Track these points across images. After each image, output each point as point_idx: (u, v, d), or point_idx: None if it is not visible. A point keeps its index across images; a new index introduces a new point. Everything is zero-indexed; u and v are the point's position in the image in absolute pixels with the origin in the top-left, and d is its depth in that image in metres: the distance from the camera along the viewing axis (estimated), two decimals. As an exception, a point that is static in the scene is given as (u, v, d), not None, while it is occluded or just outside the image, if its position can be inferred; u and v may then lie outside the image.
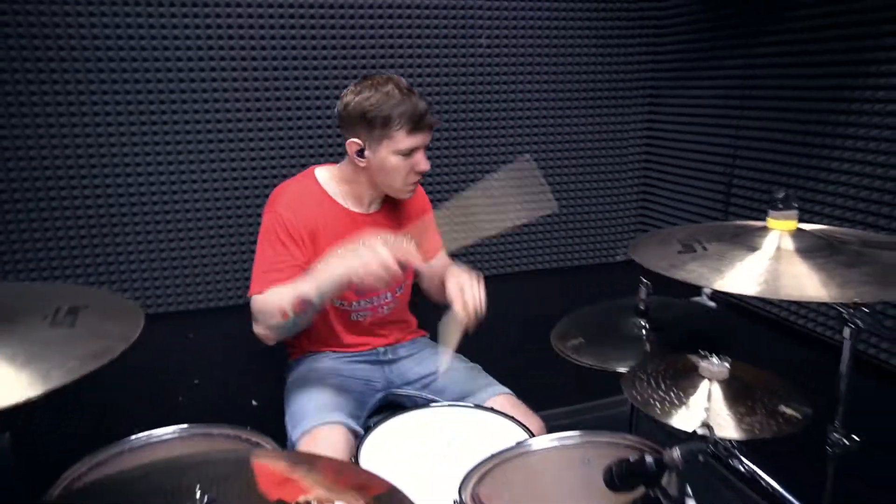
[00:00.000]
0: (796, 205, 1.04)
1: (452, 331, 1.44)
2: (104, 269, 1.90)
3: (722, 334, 1.37)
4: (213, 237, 1.98)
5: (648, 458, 0.84)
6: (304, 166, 1.70)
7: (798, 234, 1.04)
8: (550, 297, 2.42)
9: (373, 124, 1.45)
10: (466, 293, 1.43)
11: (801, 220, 1.07)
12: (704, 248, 1.05)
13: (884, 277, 0.92)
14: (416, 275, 1.76)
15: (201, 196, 1.94)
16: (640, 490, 0.89)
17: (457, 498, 1.03)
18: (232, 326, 1.96)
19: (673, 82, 2.28)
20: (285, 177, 1.72)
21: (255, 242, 1.91)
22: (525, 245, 2.37)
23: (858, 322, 1.02)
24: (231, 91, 1.89)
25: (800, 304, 1.76)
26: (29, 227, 1.79)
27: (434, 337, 1.84)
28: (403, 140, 1.46)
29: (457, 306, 1.42)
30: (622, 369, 1.23)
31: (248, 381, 2.11)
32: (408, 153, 1.48)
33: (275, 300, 1.44)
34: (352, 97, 1.48)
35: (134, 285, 1.93)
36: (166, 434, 1.34)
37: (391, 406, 1.69)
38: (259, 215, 1.89)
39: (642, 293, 1.40)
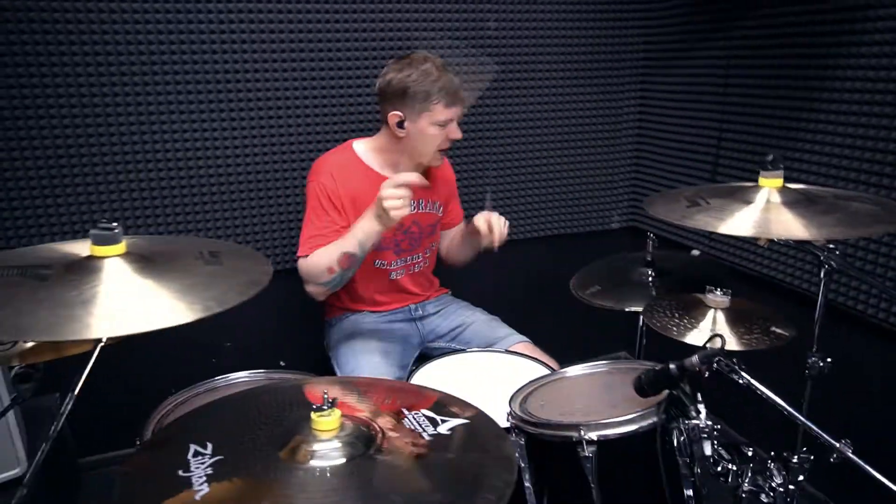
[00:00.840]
0: (782, 166, 1.26)
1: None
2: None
3: (714, 282, 1.61)
4: (246, 208, 2.15)
5: (672, 365, 1.06)
6: (339, 140, 1.88)
7: (784, 191, 1.27)
8: (553, 261, 2.64)
9: (414, 98, 1.64)
10: (493, 223, 1.68)
11: (785, 180, 1.30)
12: (707, 203, 1.27)
13: (852, 222, 1.16)
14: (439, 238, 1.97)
15: (244, 168, 2.11)
16: (663, 394, 1.11)
17: (508, 409, 1.25)
18: (268, 290, 2.14)
19: (664, 60, 2.48)
20: (324, 150, 1.89)
21: (294, 211, 2.12)
22: (525, 213, 2.56)
23: (832, 262, 1.25)
24: (279, 72, 2.06)
25: (780, 261, 2.00)
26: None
27: (455, 294, 2.07)
28: (442, 112, 1.65)
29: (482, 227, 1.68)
30: (635, 309, 1.46)
31: (276, 343, 2.28)
32: (444, 124, 1.67)
33: (321, 261, 1.64)
34: (394, 74, 1.66)
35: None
36: (238, 378, 1.54)
37: (427, 358, 1.90)
38: (298, 186, 2.09)
39: (650, 246, 1.63)
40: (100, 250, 0.90)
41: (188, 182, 2.05)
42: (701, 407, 1.06)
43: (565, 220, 2.65)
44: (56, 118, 1.86)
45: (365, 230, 1.58)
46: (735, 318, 1.21)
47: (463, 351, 1.77)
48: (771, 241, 1.29)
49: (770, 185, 1.28)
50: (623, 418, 1.10)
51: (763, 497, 1.04)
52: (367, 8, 2.11)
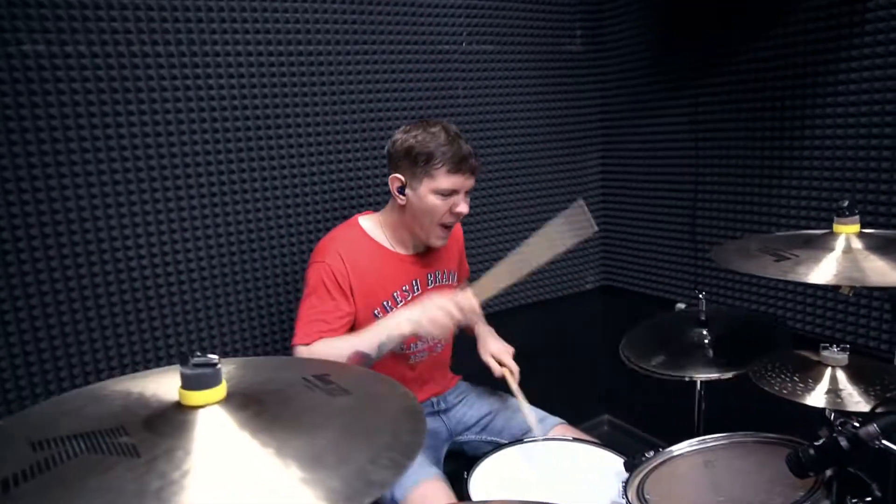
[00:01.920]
0: (857, 211, 1.24)
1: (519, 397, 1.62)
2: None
3: (771, 340, 1.56)
4: (251, 290, 1.88)
5: (841, 439, 0.94)
6: (345, 217, 1.68)
7: (862, 236, 1.24)
8: (535, 328, 2.54)
9: (416, 161, 1.48)
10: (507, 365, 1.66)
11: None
12: (796, 256, 1.21)
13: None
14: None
15: (237, 248, 1.85)
16: (824, 475, 0.99)
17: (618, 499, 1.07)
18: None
19: (625, 119, 2.53)
20: (328, 227, 1.68)
21: (291, 293, 1.84)
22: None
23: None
24: (276, 147, 1.86)
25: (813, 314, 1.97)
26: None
27: (468, 378, 1.87)
28: (443, 179, 1.49)
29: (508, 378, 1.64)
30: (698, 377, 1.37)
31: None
32: (447, 193, 1.50)
33: (327, 354, 1.40)
34: (401, 135, 1.52)
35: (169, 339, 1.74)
36: None
37: (456, 455, 1.68)
38: (297, 264, 1.83)
39: (703, 304, 1.54)
40: (195, 397, 0.64)
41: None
42: (874, 486, 0.95)
43: (540, 287, 2.57)
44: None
45: (391, 332, 1.38)
46: (857, 376, 1.13)
47: (506, 445, 1.56)
48: (853, 289, 1.24)
49: (847, 231, 1.24)
50: (796, 508, 0.96)
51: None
52: (336, 79, 1.96)
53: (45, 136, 1.54)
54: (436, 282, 1.67)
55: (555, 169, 2.52)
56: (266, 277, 1.90)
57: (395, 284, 1.58)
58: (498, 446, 1.54)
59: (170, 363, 1.64)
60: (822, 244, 1.24)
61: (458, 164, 1.49)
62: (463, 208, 1.54)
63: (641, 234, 2.52)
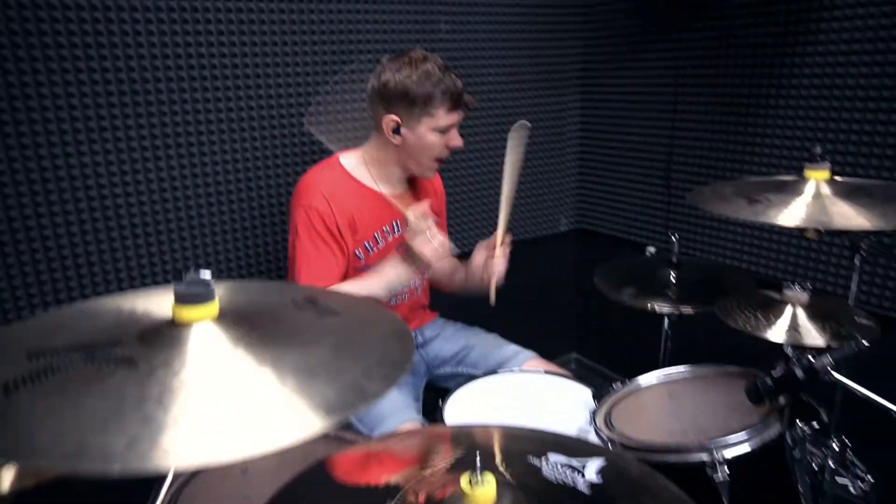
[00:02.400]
0: (828, 158, 1.28)
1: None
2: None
3: (737, 285, 1.62)
4: (239, 213, 1.88)
5: (797, 369, 1.01)
6: (325, 152, 1.67)
7: (832, 183, 1.28)
8: (514, 267, 2.58)
9: (414, 102, 1.46)
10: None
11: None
12: (767, 199, 1.25)
13: None
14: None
15: (217, 188, 1.83)
16: (778, 402, 1.06)
17: (604, 435, 1.13)
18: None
19: (606, 62, 2.51)
20: (307, 164, 1.67)
21: (276, 216, 1.83)
22: (472, 223, 2.47)
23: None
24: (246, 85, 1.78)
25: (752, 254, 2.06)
26: None
27: (445, 315, 1.91)
28: (443, 117, 1.49)
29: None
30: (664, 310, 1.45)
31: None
32: (444, 130, 1.52)
33: None
34: (391, 75, 1.47)
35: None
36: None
37: (434, 389, 1.74)
38: (281, 205, 1.82)
39: (676, 247, 1.59)
40: (188, 312, 0.65)
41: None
42: (822, 411, 1.02)
43: (514, 227, 2.59)
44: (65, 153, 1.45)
45: (400, 277, 1.45)
46: (815, 314, 1.20)
47: (482, 375, 1.62)
48: (818, 232, 1.30)
49: (817, 178, 1.29)
50: (751, 430, 1.03)
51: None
52: (316, 17, 1.90)
53: (39, 66, 1.50)
54: None
55: (534, 109, 2.51)
56: (252, 205, 1.89)
57: (377, 224, 1.58)
58: (470, 377, 1.60)
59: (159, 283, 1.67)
60: (792, 189, 1.28)
61: (457, 101, 1.49)
62: (458, 142, 1.55)
63: (617, 177, 2.56)
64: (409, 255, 1.41)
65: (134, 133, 1.66)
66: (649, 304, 1.52)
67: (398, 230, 1.63)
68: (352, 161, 1.60)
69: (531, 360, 1.73)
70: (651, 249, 2.47)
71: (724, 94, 2.08)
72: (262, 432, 0.53)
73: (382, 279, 1.43)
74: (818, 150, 1.28)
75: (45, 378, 0.57)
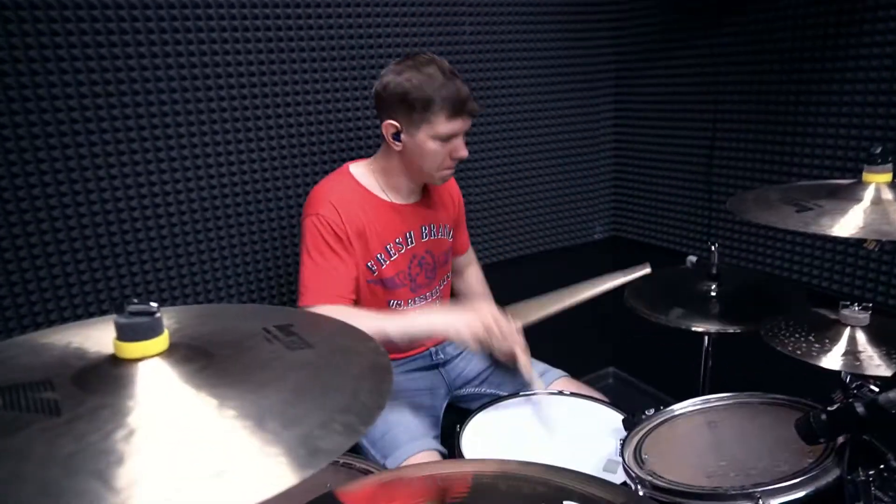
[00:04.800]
0: (890, 158, 1.13)
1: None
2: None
3: (784, 298, 1.47)
4: (233, 245, 1.79)
5: (858, 404, 0.86)
6: (336, 162, 1.59)
7: (893, 186, 1.13)
8: (541, 279, 2.45)
9: (413, 107, 1.37)
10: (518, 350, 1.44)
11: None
12: (819, 206, 1.10)
13: None
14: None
15: (224, 201, 1.75)
16: (839, 440, 0.92)
17: (633, 473, 1.01)
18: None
19: (639, 62, 2.38)
20: (317, 175, 1.59)
21: (285, 248, 1.77)
22: (505, 232, 2.36)
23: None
24: (252, 93, 1.72)
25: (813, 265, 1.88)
26: None
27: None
28: (443, 124, 1.39)
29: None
30: (701, 329, 1.30)
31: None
32: (446, 138, 1.41)
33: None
34: (392, 77, 1.39)
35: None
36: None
37: (456, 409, 1.64)
38: (293, 217, 1.76)
39: (714, 257, 1.45)
40: (132, 349, 0.57)
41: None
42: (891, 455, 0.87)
43: (547, 236, 2.48)
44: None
45: (424, 329, 1.37)
46: (878, 338, 1.05)
47: (506, 397, 1.51)
48: (879, 243, 1.14)
49: (878, 180, 1.13)
50: (804, 477, 0.89)
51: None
52: (335, 22, 1.82)
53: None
54: (430, 235, 1.58)
55: (565, 114, 2.39)
56: (251, 225, 1.82)
57: (389, 236, 1.50)
58: (493, 399, 1.49)
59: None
60: (848, 194, 1.13)
61: (459, 109, 1.38)
62: (463, 153, 1.45)
63: (654, 183, 2.41)
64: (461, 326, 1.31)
65: (125, 147, 1.61)
66: (684, 324, 1.38)
67: (411, 241, 1.54)
68: (361, 170, 1.52)
69: (560, 380, 1.61)
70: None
71: (768, 91, 1.92)
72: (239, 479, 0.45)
73: (407, 324, 1.35)
74: (878, 149, 1.13)
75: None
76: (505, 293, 2.30)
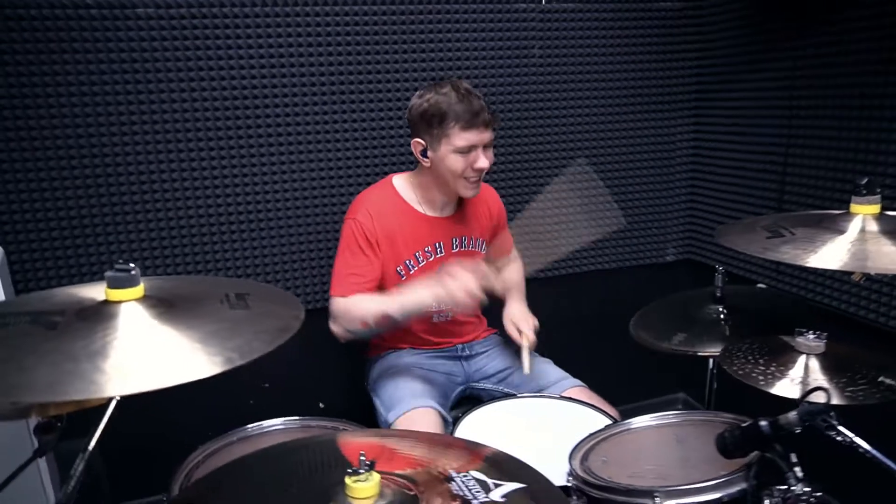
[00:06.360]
0: (879, 190, 1.11)
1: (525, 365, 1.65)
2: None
3: (796, 322, 1.43)
4: (286, 245, 2.08)
5: (763, 423, 0.90)
6: (385, 173, 1.81)
7: (882, 218, 1.11)
8: (606, 297, 2.49)
9: (431, 123, 1.54)
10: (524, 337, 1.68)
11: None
12: (792, 233, 1.12)
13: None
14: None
15: (281, 204, 2.04)
16: (753, 455, 0.96)
17: (568, 469, 1.10)
18: (304, 330, 2.06)
19: (719, 83, 2.34)
20: (368, 183, 1.82)
21: (331, 248, 2.03)
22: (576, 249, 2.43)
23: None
24: (322, 105, 2.00)
25: (873, 299, 1.77)
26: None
27: (502, 334, 1.93)
28: (458, 137, 1.53)
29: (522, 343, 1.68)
30: (708, 353, 1.31)
31: (316, 383, 2.21)
32: (465, 150, 1.55)
33: (358, 310, 1.56)
34: (416, 100, 1.59)
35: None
36: (272, 425, 1.44)
37: (471, 399, 1.78)
38: (338, 222, 2.02)
39: (719, 280, 1.47)
40: (116, 294, 0.82)
41: (217, 220, 1.99)
42: (798, 471, 0.90)
43: (617, 254, 2.50)
44: (69, 156, 1.81)
45: (416, 299, 1.51)
46: (833, 365, 1.05)
47: (514, 395, 1.63)
48: (867, 276, 1.12)
49: (865, 212, 1.12)
50: (705, 484, 0.94)
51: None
52: (407, 38, 2.05)
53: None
54: (461, 246, 1.74)
55: (641, 133, 2.41)
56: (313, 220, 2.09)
57: (419, 244, 1.68)
58: (497, 397, 1.61)
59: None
60: (833, 225, 1.13)
61: (471, 120, 1.53)
62: (483, 163, 1.58)
63: (729, 207, 2.35)
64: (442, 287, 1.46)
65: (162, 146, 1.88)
66: (690, 350, 1.40)
67: (441, 251, 1.71)
68: (402, 182, 1.72)
69: (574, 389, 1.68)
70: (761, 286, 2.26)
71: (844, 116, 1.83)
72: (174, 369, 0.72)
73: (401, 300, 1.52)
74: (864, 180, 1.11)
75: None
76: (572, 308, 2.41)
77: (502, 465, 0.97)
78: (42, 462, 1.54)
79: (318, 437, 1.27)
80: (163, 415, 1.72)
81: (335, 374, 2.21)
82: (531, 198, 2.26)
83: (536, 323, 1.74)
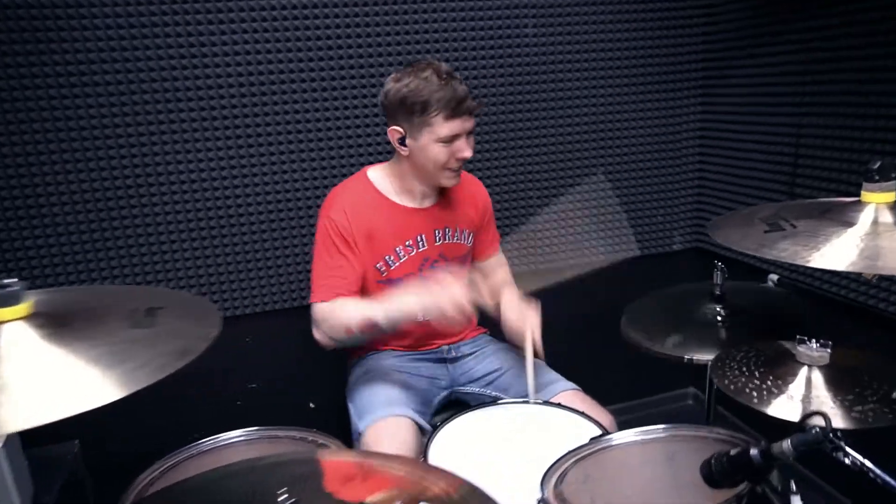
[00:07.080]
0: (894, 175, 0.96)
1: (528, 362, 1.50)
2: (168, 273, 1.92)
3: (805, 324, 1.29)
4: (267, 241, 1.98)
5: (754, 451, 0.78)
6: (359, 165, 1.69)
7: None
8: (609, 288, 2.36)
9: (412, 111, 1.43)
10: (528, 334, 1.50)
11: None
12: (793, 226, 0.98)
13: None
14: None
15: (254, 199, 1.94)
16: (742, 487, 0.83)
17: (539, 496, 0.99)
18: (289, 329, 1.97)
19: (726, 62, 2.18)
20: (342, 177, 1.71)
21: (309, 244, 1.93)
22: (584, 237, 2.29)
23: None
24: (287, 94, 1.89)
25: (881, 288, 1.64)
26: (99, 229, 1.83)
27: (493, 334, 1.81)
28: (443, 126, 1.43)
29: (526, 345, 1.50)
30: (703, 358, 1.18)
31: (305, 383, 2.12)
32: (448, 140, 1.45)
33: (341, 317, 1.46)
34: (392, 84, 1.46)
35: (193, 291, 1.95)
36: (234, 437, 1.34)
37: (456, 404, 1.67)
38: (313, 217, 1.90)
39: (717, 278, 1.33)
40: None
41: (175, 220, 1.89)
42: (797, 501, 0.77)
43: (618, 242, 2.36)
44: None
45: (402, 307, 1.40)
46: (838, 379, 0.91)
47: (498, 400, 1.51)
48: (880, 276, 0.98)
49: (877, 201, 0.98)
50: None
51: None
52: (380, 10, 1.91)
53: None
54: (444, 238, 1.62)
55: (646, 115, 2.27)
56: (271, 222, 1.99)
57: (399, 239, 1.57)
58: (484, 402, 1.50)
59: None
60: (841, 216, 0.99)
61: (456, 109, 1.42)
62: (466, 153, 1.48)
63: (741, 192, 2.20)
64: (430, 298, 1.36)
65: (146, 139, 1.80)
66: (685, 354, 1.27)
67: (423, 244, 1.59)
68: (378, 174, 1.60)
69: (566, 393, 1.56)
70: (773, 278, 2.11)
71: (856, 102, 1.68)
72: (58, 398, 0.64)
73: (386, 306, 1.41)
74: (877, 164, 0.97)
75: None
76: (572, 301, 2.28)
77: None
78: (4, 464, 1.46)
79: (283, 457, 1.16)
80: (148, 415, 1.65)
81: (326, 373, 2.12)
82: (523, 193, 2.16)
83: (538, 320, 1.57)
